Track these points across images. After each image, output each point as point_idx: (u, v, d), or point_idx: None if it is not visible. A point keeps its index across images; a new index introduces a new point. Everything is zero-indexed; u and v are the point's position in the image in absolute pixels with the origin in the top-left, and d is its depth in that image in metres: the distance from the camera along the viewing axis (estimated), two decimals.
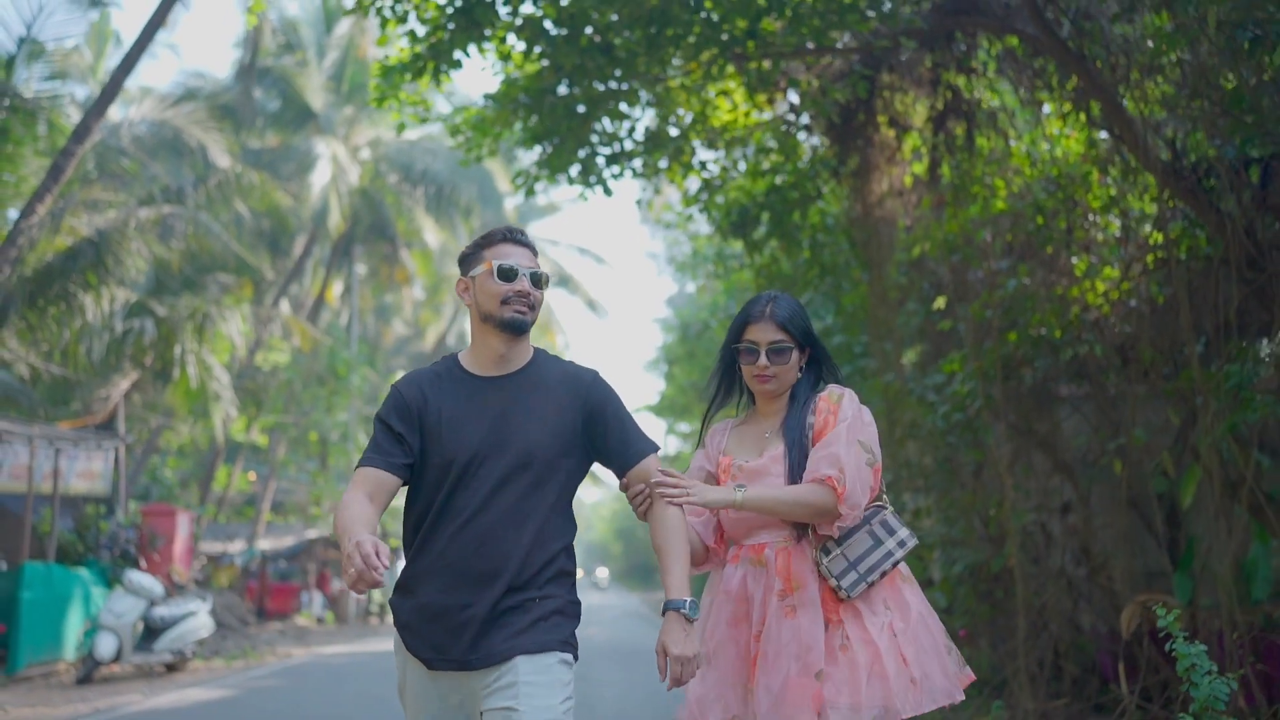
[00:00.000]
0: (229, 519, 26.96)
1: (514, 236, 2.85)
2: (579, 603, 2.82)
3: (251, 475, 30.08)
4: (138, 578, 12.45)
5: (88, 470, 14.27)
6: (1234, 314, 6.89)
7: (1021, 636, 7.50)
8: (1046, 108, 8.51)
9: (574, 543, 2.86)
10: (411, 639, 2.71)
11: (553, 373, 2.84)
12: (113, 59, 26.69)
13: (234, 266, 18.19)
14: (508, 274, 2.77)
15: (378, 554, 2.38)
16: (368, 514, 2.63)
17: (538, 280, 2.81)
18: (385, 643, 19.74)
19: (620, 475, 2.86)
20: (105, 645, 11.70)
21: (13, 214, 15.79)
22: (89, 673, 11.61)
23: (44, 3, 16.51)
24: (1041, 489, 8.78)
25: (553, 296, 39.15)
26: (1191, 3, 5.94)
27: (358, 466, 2.78)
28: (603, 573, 64.79)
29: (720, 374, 3.19)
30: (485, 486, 2.69)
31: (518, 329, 2.77)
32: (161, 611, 12.42)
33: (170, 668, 12.81)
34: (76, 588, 12.75)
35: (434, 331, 38.39)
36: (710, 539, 3.09)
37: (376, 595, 26.91)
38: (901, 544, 2.95)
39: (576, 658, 2.76)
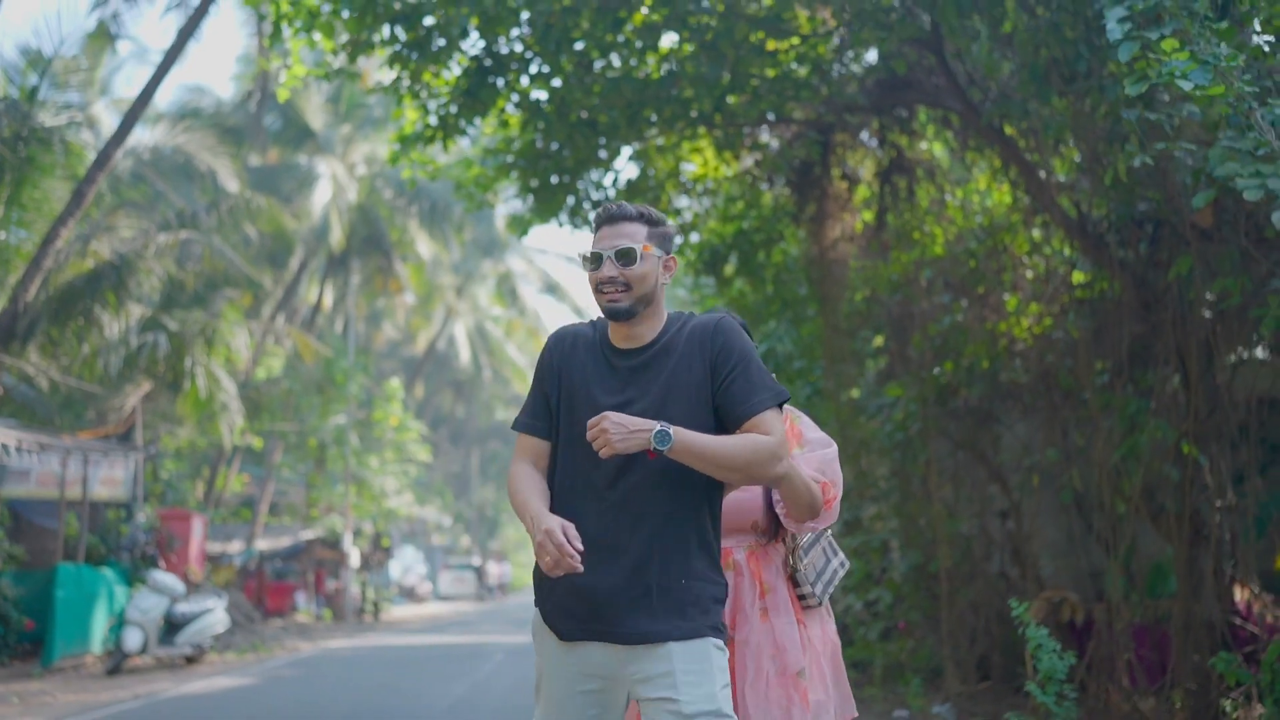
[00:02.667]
0: (224, 520, 27.98)
1: (605, 215, 2.73)
2: (725, 584, 2.70)
3: (245, 477, 31.11)
4: (161, 577, 13.56)
5: (109, 478, 15.36)
6: (1127, 350, 8.11)
7: (946, 629, 8.66)
8: (978, 166, 9.68)
9: (719, 515, 2.71)
10: (551, 609, 2.66)
11: (682, 336, 2.68)
12: (108, 68, 27.64)
13: (241, 282, 19.28)
14: (592, 261, 2.68)
15: (568, 536, 2.46)
16: (540, 485, 2.67)
17: (625, 256, 2.64)
18: (385, 637, 20.88)
19: (734, 431, 2.63)
20: (132, 639, 12.80)
21: (20, 234, 16.68)
22: (117, 664, 12.69)
23: (65, 36, 17.48)
24: (981, 497, 9.90)
25: (542, 304, 40.36)
26: (1085, 95, 7.11)
27: (514, 427, 2.79)
28: None
29: None
30: (616, 460, 2.57)
31: (614, 316, 2.66)
32: (182, 608, 13.51)
33: (189, 660, 13.88)
34: (102, 587, 13.82)
35: (424, 336, 39.39)
36: None
37: (369, 594, 27.94)
38: (843, 564, 3.16)
39: (727, 642, 2.70)
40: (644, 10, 7.43)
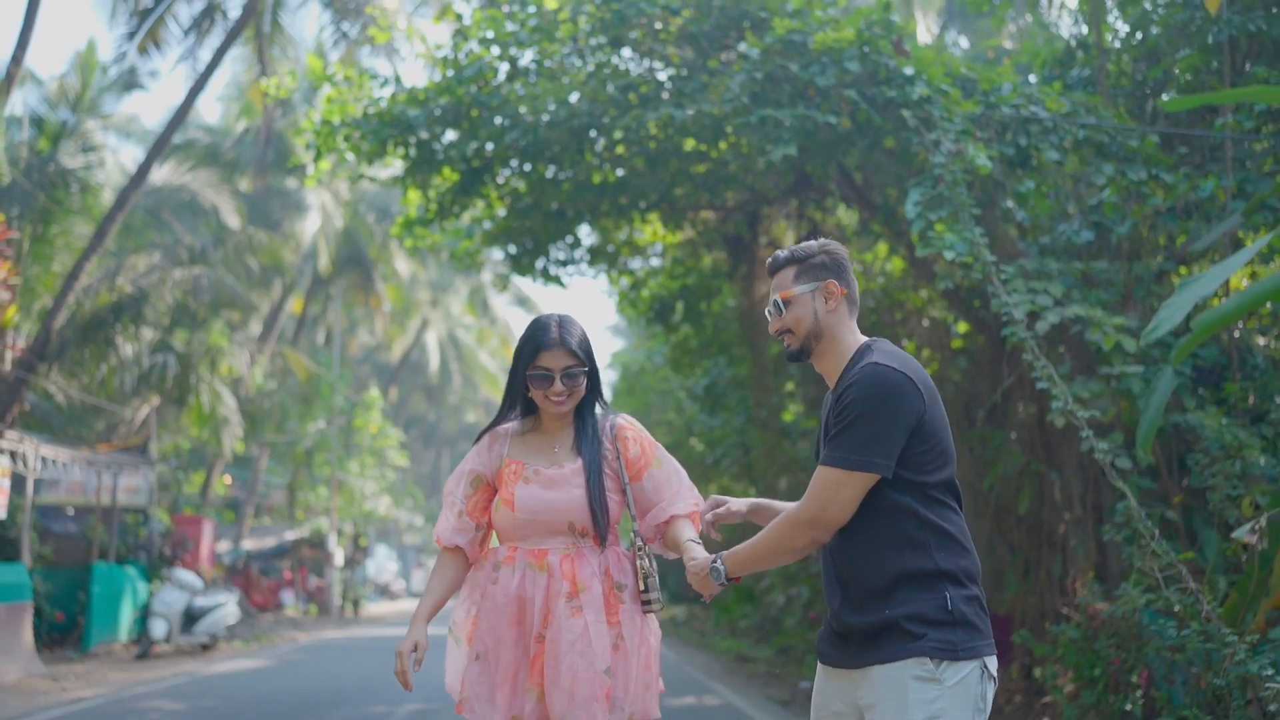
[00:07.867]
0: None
1: (768, 269, 2.80)
2: (942, 603, 2.50)
3: (227, 479, 32.79)
4: (182, 574, 15.50)
5: (129, 486, 17.23)
6: (993, 392, 10.18)
7: None
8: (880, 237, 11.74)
9: (930, 539, 2.54)
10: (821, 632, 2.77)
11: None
12: (97, 89, 29.13)
13: (242, 306, 21.19)
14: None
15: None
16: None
17: (776, 308, 2.74)
18: (370, 629, 22.82)
19: None
20: (158, 628, 14.69)
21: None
22: (145, 650, 14.57)
23: (86, 83, 19.33)
24: None
25: (512, 314, 42.31)
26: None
27: None
28: None
29: (512, 395, 3.21)
30: None
31: (790, 359, 2.78)
32: (200, 601, 15.43)
33: (205, 647, 15.80)
34: (128, 583, 15.70)
35: (400, 344, 41.03)
36: (475, 554, 3.22)
37: (349, 592, 29.72)
38: (655, 568, 3.21)
39: (938, 664, 2.47)
40: (606, 121, 9.43)
